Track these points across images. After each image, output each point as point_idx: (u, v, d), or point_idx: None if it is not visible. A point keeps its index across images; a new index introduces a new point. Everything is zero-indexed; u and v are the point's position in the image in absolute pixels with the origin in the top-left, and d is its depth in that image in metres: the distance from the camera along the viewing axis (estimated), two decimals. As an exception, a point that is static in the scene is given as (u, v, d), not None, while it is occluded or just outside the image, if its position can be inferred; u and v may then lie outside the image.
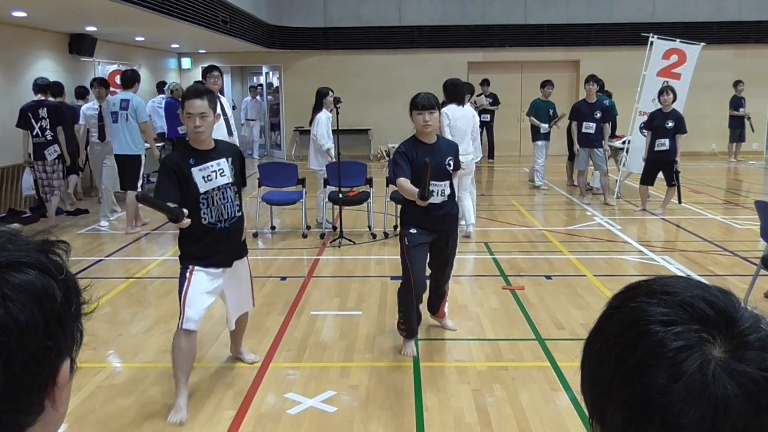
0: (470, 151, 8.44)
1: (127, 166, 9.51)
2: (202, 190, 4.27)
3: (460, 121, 8.18)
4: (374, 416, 4.23)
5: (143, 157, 9.63)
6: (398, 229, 5.93)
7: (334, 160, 8.99)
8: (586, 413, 0.89)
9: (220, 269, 4.44)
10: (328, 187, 9.04)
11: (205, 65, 8.31)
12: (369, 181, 9.20)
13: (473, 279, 7.27)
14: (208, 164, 4.30)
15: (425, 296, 5.45)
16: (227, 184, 4.36)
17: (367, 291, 6.78)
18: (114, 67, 11.86)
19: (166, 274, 7.53)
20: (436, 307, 5.68)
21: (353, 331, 5.67)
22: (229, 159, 4.41)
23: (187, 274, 4.32)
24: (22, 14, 10.05)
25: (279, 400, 4.45)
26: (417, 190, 4.73)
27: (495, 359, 5.09)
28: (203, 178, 4.27)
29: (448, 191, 5.13)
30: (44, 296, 0.81)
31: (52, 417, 0.85)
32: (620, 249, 8.46)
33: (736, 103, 17.21)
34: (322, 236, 9.03)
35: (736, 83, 17.12)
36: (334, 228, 9.19)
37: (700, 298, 0.83)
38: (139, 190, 9.47)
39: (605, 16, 18.21)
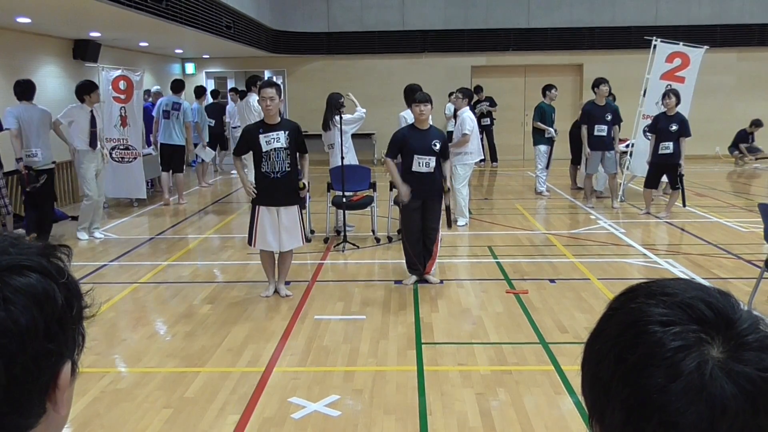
0: None
1: (176, 153, 12.00)
2: (264, 149, 6.25)
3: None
4: (378, 420, 4.23)
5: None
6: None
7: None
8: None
9: (275, 208, 6.36)
10: (331, 191, 9.04)
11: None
12: (373, 186, 9.20)
13: (477, 283, 7.26)
14: (271, 133, 6.26)
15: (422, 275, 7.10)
16: (281, 147, 6.26)
17: (370, 295, 6.79)
18: (118, 72, 11.81)
19: (170, 279, 7.55)
20: (424, 265, 7.07)
21: (357, 336, 5.67)
22: (287, 132, 6.29)
23: (256, 211, 6.39)
24: (27, 20, 10.09)
25: (283, 404, 4.45)
26: (400, 180, 6.72)
27: (499, 363, 5.09)
28: (265, 142, 6.24)
29: (433, 164, 6.74)
30: (45, 299, 0.82)
31: (53, 419, 0.86)
32: (624, 252, 8.45)
33: (742, 137, 17.13)
34: (325, 240, 9.03)
35: (753, 123, 16.84)
36: (338, 232, 9.19)
37: (699, 299, 0.83)
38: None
39: (608, 20, 18.20)
